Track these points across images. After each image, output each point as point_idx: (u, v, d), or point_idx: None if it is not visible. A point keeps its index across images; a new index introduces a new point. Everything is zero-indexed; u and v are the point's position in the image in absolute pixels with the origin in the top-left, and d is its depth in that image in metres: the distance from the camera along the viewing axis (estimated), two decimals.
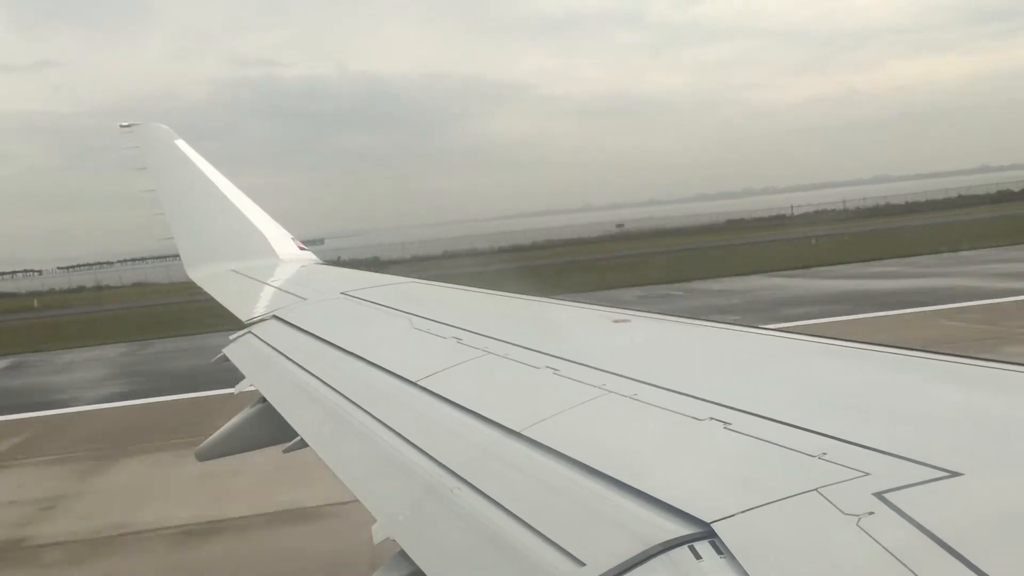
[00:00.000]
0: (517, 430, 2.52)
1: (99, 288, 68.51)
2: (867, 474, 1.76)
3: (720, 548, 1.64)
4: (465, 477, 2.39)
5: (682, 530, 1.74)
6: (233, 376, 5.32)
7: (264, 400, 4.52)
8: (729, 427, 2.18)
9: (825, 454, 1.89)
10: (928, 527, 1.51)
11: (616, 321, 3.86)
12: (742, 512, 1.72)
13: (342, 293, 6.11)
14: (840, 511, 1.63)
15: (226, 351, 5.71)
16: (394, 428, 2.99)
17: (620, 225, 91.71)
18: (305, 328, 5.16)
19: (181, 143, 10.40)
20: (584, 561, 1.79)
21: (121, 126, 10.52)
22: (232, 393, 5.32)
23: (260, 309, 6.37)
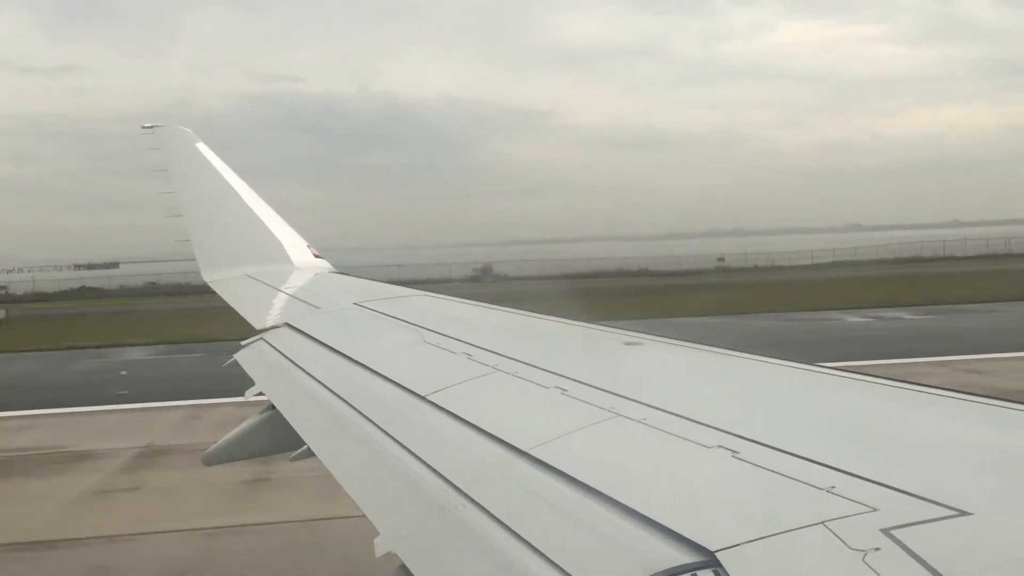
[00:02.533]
0: (525, 449, 2.51)
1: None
2: (875, 509, 1.74)
3: None
4: (470, 494, 2.39)
5: (686, 558, 1.73)
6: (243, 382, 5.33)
7: (273, 407, 4.53)
8: (737, 456, 2.17)
9: (833, 487, 1.88)
10: (935, 566, 1.50)
11: (627, 343, 3.85)
12: (747, 542, 1.71)
13: (355, 304, 6.12)
14: (847, 546, 1.62)
15: (237, 357, 5.72)
16: (402, 442, 2.99)
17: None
18: (317, 337, 5.17)
19: (202, 146, 10.41)
20: None
21: (143, 127, 10.56)
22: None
23: (273, 316, 6.39)
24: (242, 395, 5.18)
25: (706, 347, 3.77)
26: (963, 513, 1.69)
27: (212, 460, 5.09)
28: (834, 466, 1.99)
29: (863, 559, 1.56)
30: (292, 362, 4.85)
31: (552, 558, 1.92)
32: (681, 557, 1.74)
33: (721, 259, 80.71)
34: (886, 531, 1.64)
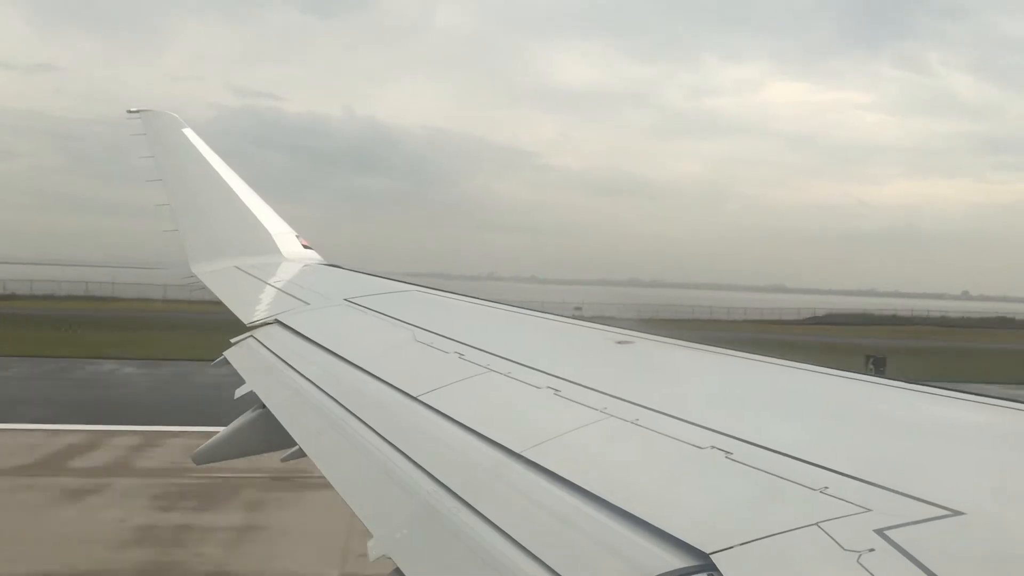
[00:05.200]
0: (517, 451, 2.50)
1: None
2: (869, 510, 1.74)
3: None
4: (463, 497, 2.38)
5: (681, 561, 1.73)
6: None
7: (263, 406, 4.50)
8: (731, 457, 2.16)
9: (827, 488, 1.88)
10: (929, 566, 1.50)
11: (619, 342, 3.83)
12: (741, 544, 1.71)
13: (345, 300, 6.06)
14: (840, 547, 1.62)
15: (227, 354, 5.67)
16: (394, 443, 2.97)
17: None
18: (307, 335, 5.13)
19: (189, 132, 10.09)
20: None
21: (129, 111, 10.26)
22: None
23: (262, 311, 6.32)
24: None
25: (698, 346, 3.76)
26: (956, 513, 1.70)
27: (203, 459, 5.06)
28: (827, 466, 1.99)
29: (857, 560, 1.56)
30: (283, 360, 4.82)
31: (545, 561, 1.92)
32: (676, 560, 1.74)
33: None
34: (880, 531, 1.64)
